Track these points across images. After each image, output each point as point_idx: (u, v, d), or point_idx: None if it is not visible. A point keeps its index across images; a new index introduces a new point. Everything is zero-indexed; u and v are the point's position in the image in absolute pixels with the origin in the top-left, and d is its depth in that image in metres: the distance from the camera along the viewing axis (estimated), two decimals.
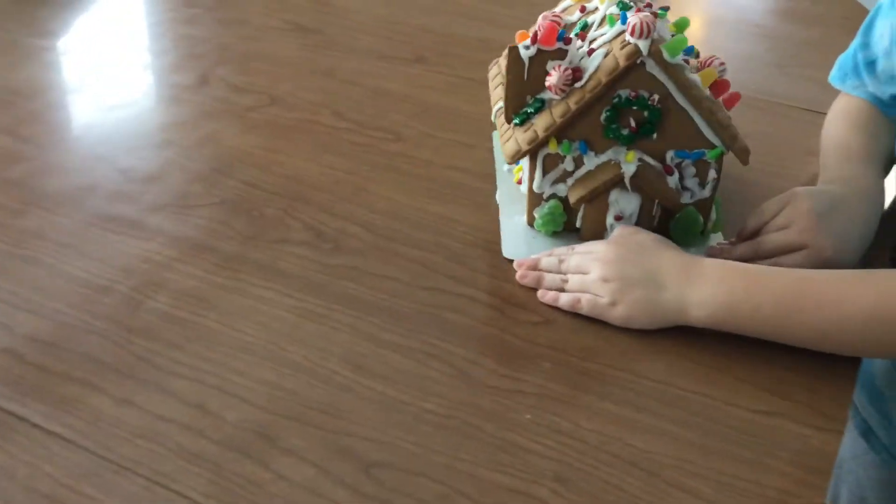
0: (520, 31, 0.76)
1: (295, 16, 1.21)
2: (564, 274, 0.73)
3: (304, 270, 0.75)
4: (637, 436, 0.61)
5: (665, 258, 0.70)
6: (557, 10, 0.79)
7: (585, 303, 0.70)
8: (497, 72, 0.85)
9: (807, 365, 0.66)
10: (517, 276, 0.74)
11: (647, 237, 0.73)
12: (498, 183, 0.85)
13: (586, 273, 0.71)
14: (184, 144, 0.92)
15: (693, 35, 0.80)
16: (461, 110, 0.99)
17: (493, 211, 0.82)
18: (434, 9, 1.24)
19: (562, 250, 0.75)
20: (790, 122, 1.00)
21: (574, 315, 0.71)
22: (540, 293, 0.72)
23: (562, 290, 0.72)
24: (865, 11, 0.91)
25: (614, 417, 0.62)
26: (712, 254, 0.74)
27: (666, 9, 0.79)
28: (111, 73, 1.08)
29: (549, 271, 0.74)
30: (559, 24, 0.73)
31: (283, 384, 0.64)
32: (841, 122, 0.87)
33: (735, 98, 0.74)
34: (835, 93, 0.92)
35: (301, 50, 1.13)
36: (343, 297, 0.73)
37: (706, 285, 0.67)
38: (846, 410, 0.63)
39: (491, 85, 0.84)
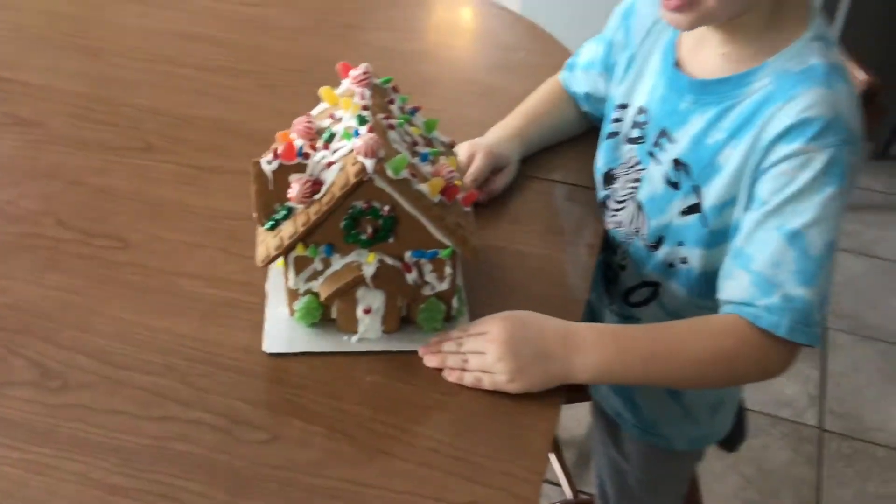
0: (280, 132, 0.79)
1: (13, 107, 1.16)
2: (465, 355, 0.81)
3: (28, 416, 0.75)
4: None
5: (548, 331, 0.82)
6: (314, 111, 0.84)
7: (488, 382, 0.80)
8: None
9: (502, 448, 0.74)
10: (424, 359, 0.82)
11: (528, 313, 0.83)
12: (270, 272, 0.89)
13: (483, 353, 0.80)
14: None
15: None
16: (190, 206, 1.00)
17: (220, 318, 0.85)
18: (161, 86, 1.22)
19: (457, 333, 0.83)
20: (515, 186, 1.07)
21: (300, 427, 0.76)
22: (445, 372, 0.81)
23: (464, 369, 0.81)
24: None
25: None
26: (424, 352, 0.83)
27: (416, 109, 0.86)
28: None
29: (450, 353, 0.82)
30: (309, 130, 0.78)
31: None
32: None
33: (471, 197, 0.82)
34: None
35: (22, 148, 1.09)
36: (71, 442, 0.73)
37: (586, 352, 0.80)
38: (538, 488, 0.72)
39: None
